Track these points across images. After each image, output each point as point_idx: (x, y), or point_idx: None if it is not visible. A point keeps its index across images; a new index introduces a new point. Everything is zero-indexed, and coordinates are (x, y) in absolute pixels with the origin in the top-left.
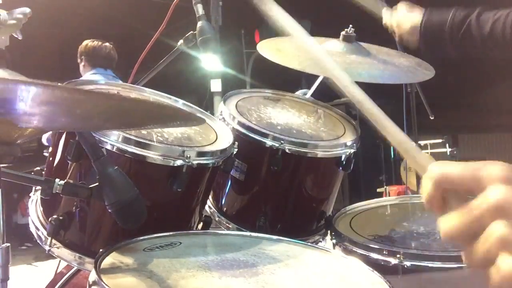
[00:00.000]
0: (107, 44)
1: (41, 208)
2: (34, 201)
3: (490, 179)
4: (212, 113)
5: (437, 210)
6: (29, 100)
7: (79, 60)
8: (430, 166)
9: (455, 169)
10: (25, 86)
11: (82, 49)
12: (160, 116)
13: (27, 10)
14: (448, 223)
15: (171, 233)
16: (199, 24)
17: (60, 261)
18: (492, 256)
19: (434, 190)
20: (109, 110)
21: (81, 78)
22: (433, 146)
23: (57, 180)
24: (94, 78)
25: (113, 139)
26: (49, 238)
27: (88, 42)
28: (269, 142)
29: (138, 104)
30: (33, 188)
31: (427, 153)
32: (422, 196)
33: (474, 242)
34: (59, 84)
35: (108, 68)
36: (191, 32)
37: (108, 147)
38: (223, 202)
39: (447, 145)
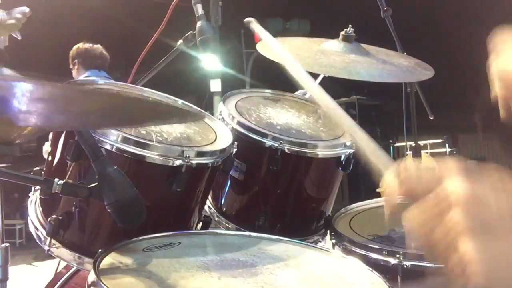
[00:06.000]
0: (98, 45)
1: (40, 208)
2: (33, 201)
3: (444, 175)
4: (212, 113)
5: (394, 207)
6: (26, 97)
7: (71, 66)
8: (393, 167)
9: (416, 171)
10: (21, 83)
11: (74, 53)
12: (156, 113)
13: (26, 9)
14: (412, 216)
15: (170, 233)
16: (199, 24)
17: (59, 261)
18: (451, 243)
19: (398, 188)
20: (105, 107)
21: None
22: (433, 146)
23: (56, 180)
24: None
25: (112, 139)
26: (49, 238)
27: (79, 45)
28: (268, 142)
29: (133, 101)
30: (33, 188)
31: (427, 153)
32: (382, 190)
33: (434, 233)
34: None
35: (101, 69)
36: (191, 32)
37: (108, 147)
38: (222, 202)
39: (447, 145)
